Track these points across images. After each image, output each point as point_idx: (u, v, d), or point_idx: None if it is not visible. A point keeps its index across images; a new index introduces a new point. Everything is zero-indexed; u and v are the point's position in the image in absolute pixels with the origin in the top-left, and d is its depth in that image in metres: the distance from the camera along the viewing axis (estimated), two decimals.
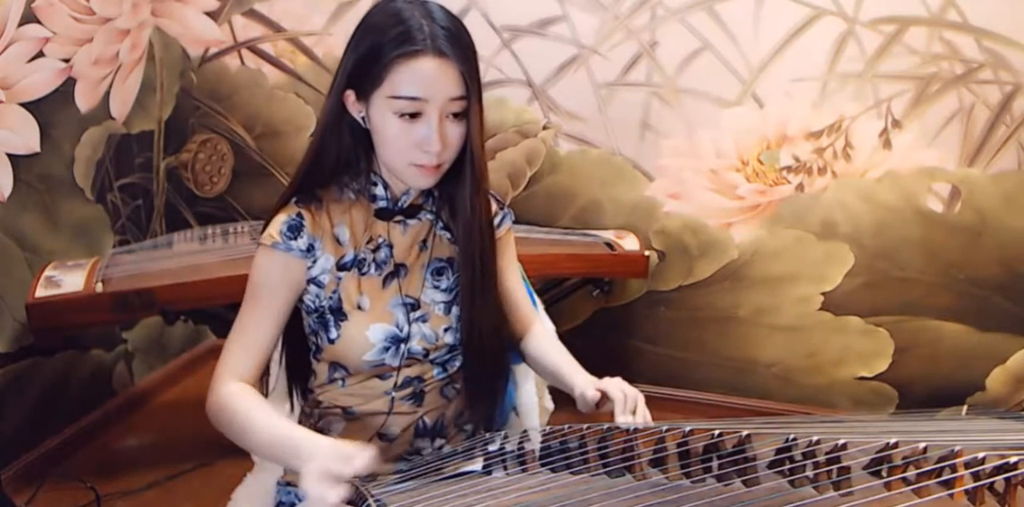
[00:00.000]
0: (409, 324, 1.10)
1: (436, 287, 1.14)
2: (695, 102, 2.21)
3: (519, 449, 0.99)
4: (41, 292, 1.82)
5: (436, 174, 1.04)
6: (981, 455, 0.74)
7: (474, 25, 1.66)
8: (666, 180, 2.30)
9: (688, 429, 0.88)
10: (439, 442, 1.17)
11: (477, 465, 1.00)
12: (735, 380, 2.42)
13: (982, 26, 1.98)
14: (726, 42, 2.14)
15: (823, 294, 2.27)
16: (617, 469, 0.90)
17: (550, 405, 1.61)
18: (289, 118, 2.51)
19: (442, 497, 0.86)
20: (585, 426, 0.97)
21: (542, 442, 0.99)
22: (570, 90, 2.28)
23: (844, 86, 2.11)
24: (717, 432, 0.85)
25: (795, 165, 2.20)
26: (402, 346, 1.10)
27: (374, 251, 1.11)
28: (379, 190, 1.11)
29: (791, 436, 0.83)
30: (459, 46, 0.99)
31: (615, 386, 1.04)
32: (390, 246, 1.12)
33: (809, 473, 0.81)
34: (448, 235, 1.15)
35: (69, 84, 2.12)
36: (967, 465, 0.75)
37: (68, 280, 1.87)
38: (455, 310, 1.13)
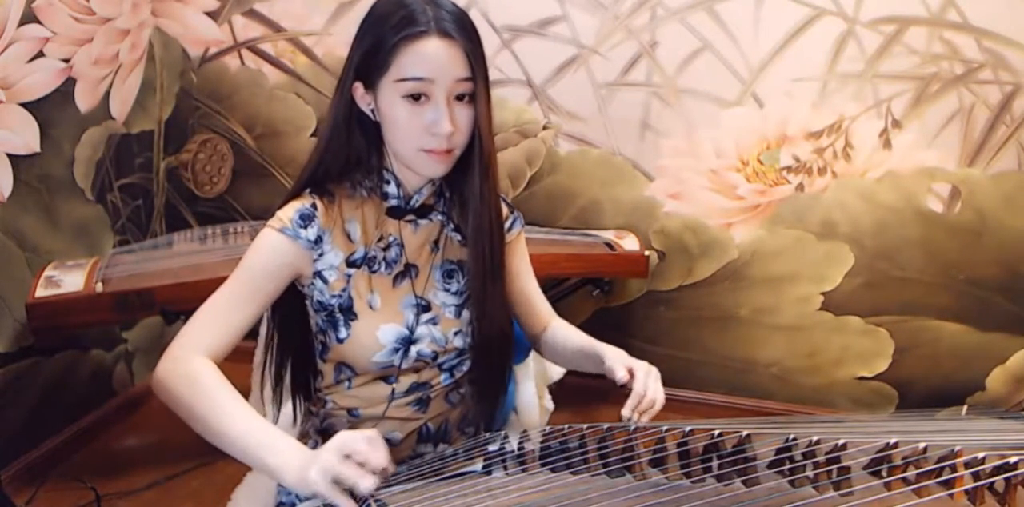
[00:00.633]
0: (418, 325, 1.09)
1: (447, 290, 1.13)
2: (695, 102, 2.21)
3: (519, 449, 0.99)
4: (41, 292, 1.82)
5: (448, 160, 1.03)
6: (981, 455, 0.74)
7: None
8: (666, 180, 2.30)
9: (688, 429, 0.88)
10: (442, 447, 1.17)
11: (477, 465, 1.00)
12: (735, 380, 2.42)
13: (982, 26, 1.98)
14: (726, 42, 2.14)
15: (823, 294, 2.27)
16: (617, 469, 0.90)
17: (550, 405, 1.61)
18: (289, 118, 2.51)
19: (442, 497, 0.86)
20: (585, 426, 0.97)
21: (542, 442, 0.99)
22: (570, 90, 2.28)
23: (844, 86, 2.11)
24: (717, 432, 0.85)
25: (795, 165, 2.20)
26: (412, 349, 1.09)
27: (384, 249, 1.10)
28: (391, 188, 1.10)
29: (791, 436, 0.83)
30: (463, 28, 0.99)
31: (641, 380, 1.03)
32: (401, 245, 1.11)
33: (809, 473, 0.81)
34: (459, 237, 1.14)
35: (69, 84, 2.12)
36: (967, 465, 0.75)
37: (68, 280, 1.87)
38: (465, 314, 1.12)
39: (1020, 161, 2.06)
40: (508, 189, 2.38)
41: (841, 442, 0.79)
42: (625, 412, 1.00)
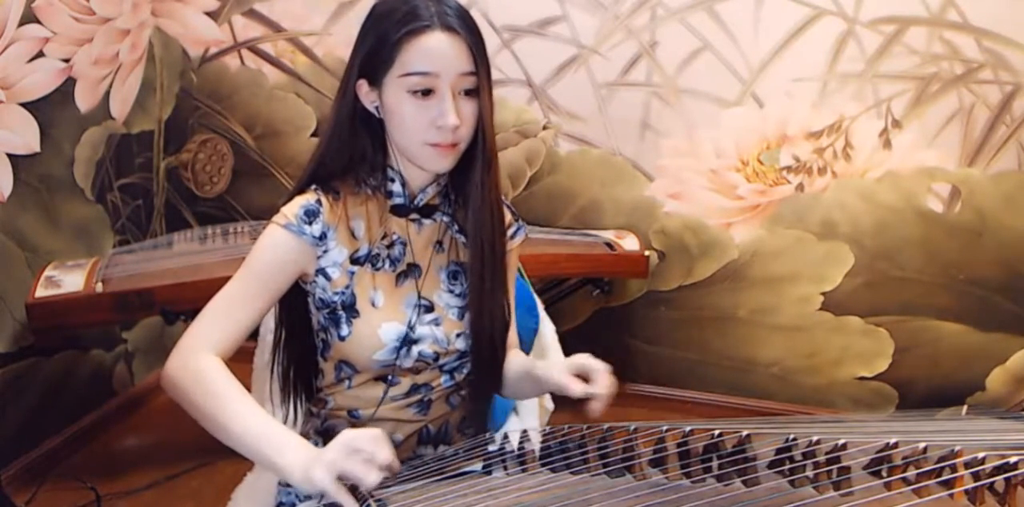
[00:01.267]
0: (419, 325, 1.09)
1: (451, 291, 1.13)
2: (695, 102, 2.21)
3: (519, 449, 0.98)
4: (41, 292, 1.82)
5: (453, 154, 1.03)
6: (981, 455, 0.74)
7: None
8: (666, 180, 2.30)
9: (688, 429, 0.88)
10: (442, 448, 1.17)
11: (477, 465, 1.00)
12: (735, 380, 2.42)
13: (982, 26, 1.99)
14: (726, 42, 2.14)
15: (823, 294, 2.27)
16: (617, 469, 0.89)
17: (550, 405, 1.61)
18: (289, 118, 2.51)
19: (442, 497, 0.86)
20: (585, 426, 0.97)
21: (542, 442, 0.99)
22: (570, 90, 2.27)
23: (844, 86, 2.11)
24: (717, 432, 0.85)
25: (795, 165, 2.20)
26: (413, 348, 1.09)
27: (388, 247, 1.10)
28: (396, 186, 1.10)
29: (791, 436, 0.83)
30: (466, 22, 1.00)
31: (601, 383, 1.00)
32: (404, 243, 1.11)
33: (809, 473, 0.81)
34: (463, 239, 1.14)
35: (69, 84, 2.12)
36: (967, 465, 0.75)
37: (68, 280, 1.87)
38: (468, 316, 1.12)
39: (1020, 161, 2.06)
40: (508, 189, 2.38)
41: (841, 442, 0.79)
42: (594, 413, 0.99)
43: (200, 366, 0.97)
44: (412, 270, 1.12)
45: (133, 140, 2.43)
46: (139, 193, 2.49)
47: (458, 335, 1.11)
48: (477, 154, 1.05)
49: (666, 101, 2.23)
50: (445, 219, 1.14)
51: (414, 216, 1.12)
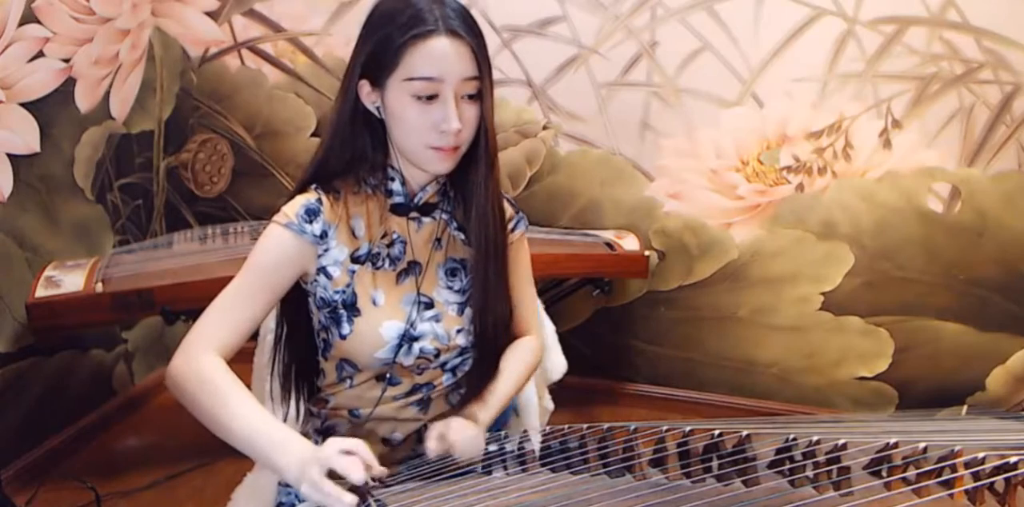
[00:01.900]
0: (419, 321, 1.09)
1: (450, 287, 1.13)
2: (695, 102, 2.21)
3: (519, 449, 0.99)
4: (41, 292, 1.82)
5: (454, 157, 1.04)
6: (981, 455, 0.74)
7: None
8: (666, 180, 2.30)
9: (688, 429, 0.88)
10: None
11: (477, 465, 1.00)
12: (735, 380, 2.42)
13: (982, 26, 1.98)
14: (726, 42, 2.14)
15: (823, 294, 2.27)
16: (617, 469, 0.90)
17: (550, 405, 1.61)
18: (289, 118, 2.51)
19: (442, 497, 0.86)
20: (585, 426, 0.97)
21: (542, 442, 0.99)
22: (570, 90, 2.27)
23: (844, 86, 2.11)
24: (717, 432, 0.85)
25: (795, 165, 2.20)
26: (414, 345, 1.09)
27: (388, 246, 1.11)
28: (396, 185, 1.10)
29: (791, 436, 0.83)
30: (470, 26, 1.01)
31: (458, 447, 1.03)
32: (404, 242, 1.12)
33: (809, 473, 0.81)
34: (462, 236, 1.14)
35: (69, 84, 2.12)
36: (967, 465, 0.75)
37: (68, 280, 1.87)
38: (468, 312, 1.12)
39: (1020, 161, 2.06)
40: (508, 189, 2.38)
41: (841, 442, 0.79)
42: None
43: (203, 365, 0.98)
44: (412, 268, 1.12)
45: (133, 140, 2.43)
46: (139, 193, 2.49)
47: (458, 331, 1.12)
48: (479, 154, 1.06)
49: (666, 101, 2.23)
50: (444, 216, 1.14)
51: (414, 214, 1.12)
